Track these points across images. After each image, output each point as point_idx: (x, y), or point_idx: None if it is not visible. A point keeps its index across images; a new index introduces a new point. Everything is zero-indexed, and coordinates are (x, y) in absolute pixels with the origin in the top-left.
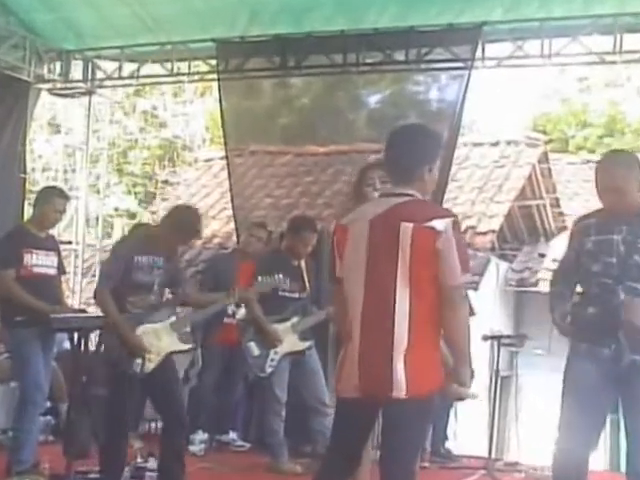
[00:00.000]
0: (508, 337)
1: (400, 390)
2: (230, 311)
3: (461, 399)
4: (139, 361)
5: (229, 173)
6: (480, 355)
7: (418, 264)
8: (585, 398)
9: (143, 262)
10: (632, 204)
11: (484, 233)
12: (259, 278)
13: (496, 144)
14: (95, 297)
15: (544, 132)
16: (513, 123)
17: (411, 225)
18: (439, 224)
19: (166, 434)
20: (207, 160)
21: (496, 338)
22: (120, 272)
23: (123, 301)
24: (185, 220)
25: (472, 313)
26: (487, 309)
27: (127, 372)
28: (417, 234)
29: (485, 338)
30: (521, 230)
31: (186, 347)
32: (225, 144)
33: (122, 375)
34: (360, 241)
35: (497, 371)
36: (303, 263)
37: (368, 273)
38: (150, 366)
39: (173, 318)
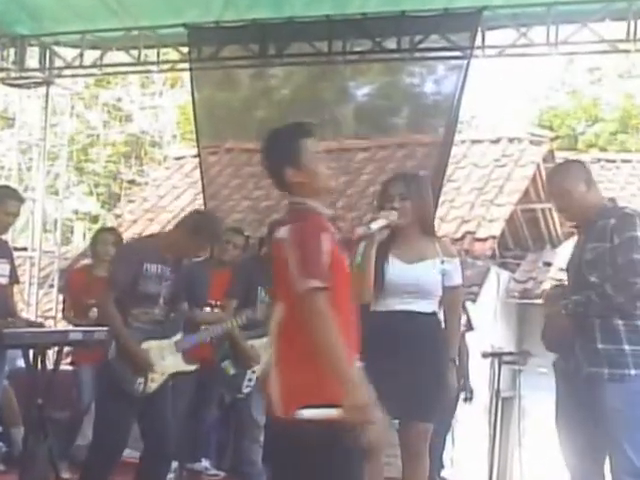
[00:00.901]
0: (510, 354)
1: (276, 409)
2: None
3: (363, 425)
4: (141, 380)
5: (202, 173)
6: (480, 374)
7: (279, 276)
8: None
9: (152, 271)
10: (583, 208)
11: (483, 239)
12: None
13: (497, 141)
14: (98, 306)
15: (550, 128)
16: (516, 118)
17: (274, 237)
18: (283, 232)
19: (147, 466)
20: (178, 158)
21: (497, 355)
22: (128, 279)
23: (125, 313)
24: (203, 224)
25: (470, 328)
26: (487, 323)
27: (125, 391)
28: (274, 247)
29: (485, 355)
30: (524, 236)
31: (191, 368)
32: (198, 140)
33: (120, 394)
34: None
35: (498, 391)
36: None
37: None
38: (152, 386)
39: (179, 336)
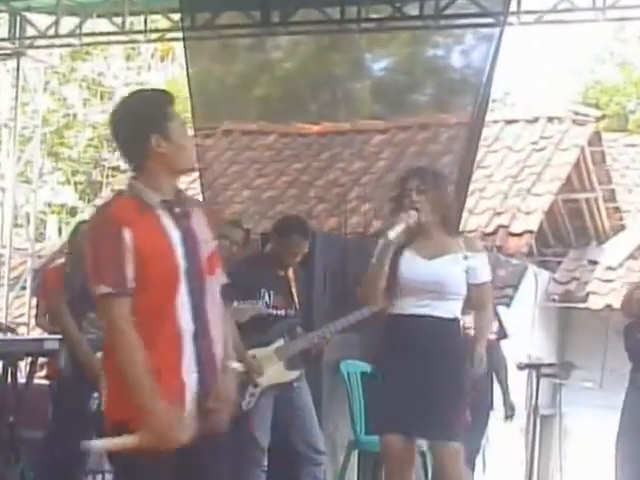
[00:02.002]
0: (550, 366)
1: None
2: None
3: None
4: (97, 394)
5: (197, 158)
6: (515, 388)
7: None
8: None
9: None
10: None
11: (519, 234)
12: (234, 303)
13: (535, 121)
14: (49, 310)
15: (596, 106)
16: (557, 95)
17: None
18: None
19: None
20: None
21: (535, 367)
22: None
23: (80, 318)
24: None
25: (504, 335)
26: (523, 330)
27: (81, 409)
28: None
29: (521, 367)
30: (566, 230)
31: None
32: (192, 121)
33: (75, 413)
34: None
35: (536, 408)
36: (291, 273)
37: None
38: None
39: None
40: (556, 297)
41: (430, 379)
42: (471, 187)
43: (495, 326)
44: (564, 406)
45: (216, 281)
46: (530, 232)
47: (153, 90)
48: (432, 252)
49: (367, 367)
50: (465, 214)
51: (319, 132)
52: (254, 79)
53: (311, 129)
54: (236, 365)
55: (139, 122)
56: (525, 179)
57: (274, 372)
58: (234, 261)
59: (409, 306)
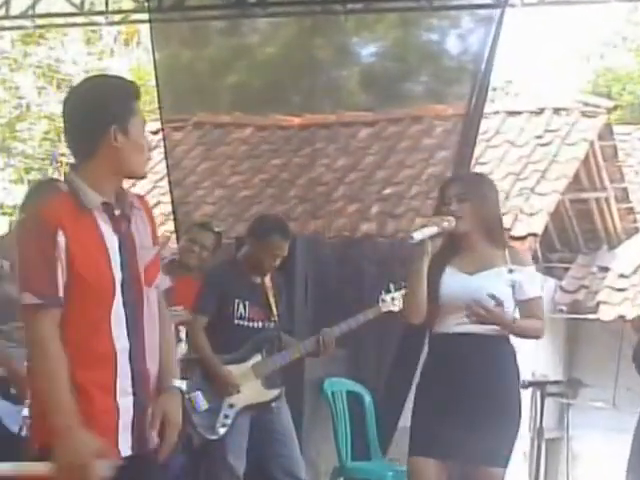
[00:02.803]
0: (556, 384)
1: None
2: None
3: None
4: None
5: (165, 154)
6: None
7: None
8: None
9: None
10: None
11: (522, 238)
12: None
13: (539, 113)
14: None
15: (608, 96)
16: (564, 84)
17: None
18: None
19: None
20: None
21: (539, 385)
22: None
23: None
24: None
25: None
26: (526, 344)
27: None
28: None
29: (524, 385)
30: (574, 234)
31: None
32: (160, 113)
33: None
34: None
35: (540, 431)
36: (268, 280)
37: None
38: None
39: None
40: (563, 307)
41: (476, 400)
42: None
43: None
44: (572, 429)
45: (154, 292)
46: (534, 235)
47: (120, 78)
48: (474, 266)
49: (353, 386)
50: None
51: (300, 125)
52: (228, 66)
53: (292, 121)
54: (179, 383)
55: (101, 108)
56: (528, 177)
57: (251, 391)
58: (204, 268)
59: (450, 325)
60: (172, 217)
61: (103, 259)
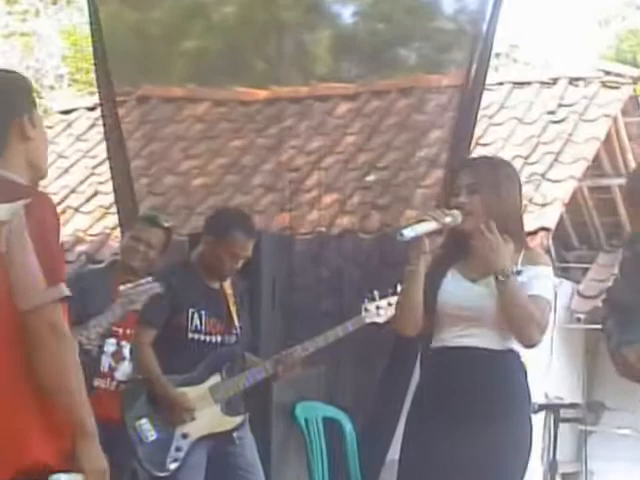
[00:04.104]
0: (573, 407)
1: None
2: (105, 365)
3: None
4: None
5: (105, 134)
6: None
7: None
8: None
9: None
10: None
11: (532, 233)
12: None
13: (552, 83)
14: None
15: (633, 63)
16: (580, 49)
17: None
18: (3, 211)
19: None
20: (66, 111)
21: (553, 409)
22: None
23: None
24: None
25: None
26: (538, 361)
27: None
28: None
29: (534, 409)
30: (594, 228)
31: None
32: (98, 85)
33: None
34: None
35: (554, 464)
36: (229, 285)
37: None
38: None
39: None
40: (581, 316)
41: (482, 427)
42: None
43: None
44: (592, 461)
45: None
46: (546, 230)
47: (13, 72)
48: (478, 272)
49: (331, 411)
50: None
51: (266, 99)
52: (180, 29)
53: (255, 95)
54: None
55: (11, 97)
56: (539, 160)
57: (208, 418)
58: (152, 271)
59: (450, 337)
60: (113, 210)
61: None
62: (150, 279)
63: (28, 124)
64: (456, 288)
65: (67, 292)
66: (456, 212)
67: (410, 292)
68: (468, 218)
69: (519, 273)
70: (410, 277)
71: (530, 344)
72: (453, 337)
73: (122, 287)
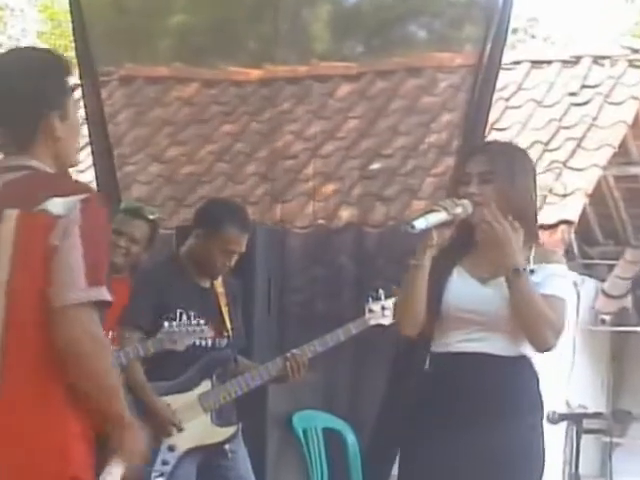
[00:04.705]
0: (597, 417)
1: None
2: None
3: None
4: None
5: (85, 117)
6: (547, 449)
7: (22, 274)
8: None
9: None
10: None
11: (552, 226)
12: (165, 325)
13: (574, 62)
14: None
15: None
16: (606, 25)
17: (16, 212)
18: (58, 205)
19: None
20: None
21: (575, 419)
22: None
23: None
24: None
25: None
26: (560, 366)
27: None
28: (23, 225)
29: (554, 420)
30: (621, 220)
31: None
32: (78, 64)
33: None
34: None
35: (576, 478)
36: (220, 284)
37: None
38: None
39: None
40: (606, 317)
41: (490, 439)
42: None
43: None
44: (618, 476)
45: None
46: (568, 223)
47: (47, 51)
48: (488, 271)
49: (332, 421)
50: None
51: (261, 79)
52: (167, 2)
53: (249, 75)
54: None
55: (40, 88)
56: (560, 146)
57: (197, 429)
58: (135, 268)
59: (456, 341)
60: None
61: None
62: (202, 321)
63: (58, 122)
64: (463, 289)
65: (108, 297)
66: (466, 202)
67: (413, 289)
68: (478, 210)
69: (532, 272)
70: (414, 272)
71: (545, 349)
72: (458, 342)
73: (167, 324)
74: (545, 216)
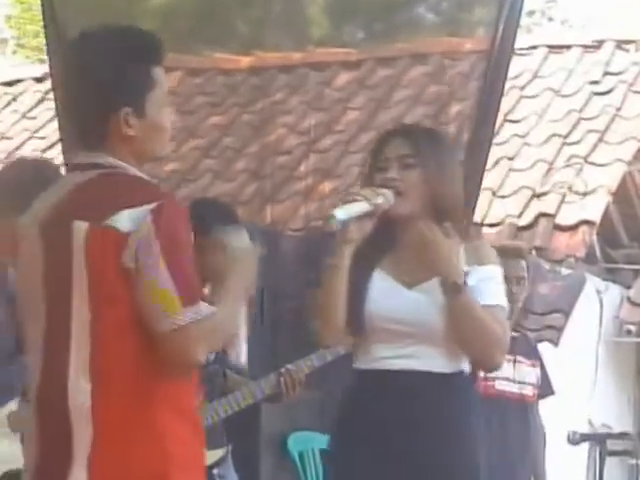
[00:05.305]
0: (622, 437)
1: None
2: None
3: None
4: None
5: (57, 110)
6: (567, 472)
7: (98, 297)
8: None
9: None
10: None
11: (572, 227)
12: None
13: (596, 47)
14: None
15: None
16: (629, 6)
17: (85, 225)
18: (125, 220)
19: None
20: (9, 83)
21: (598, 440)
22: None
23: None
24: None
25: (548, 391)
26: (580, 382)
27: None
28: (92, 241)
29: (576, 441)
30: None
31: None
32: (49, 51)
33: None
34: (32, 261)
35: None
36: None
37: (46, 321)
38: None
39: None
40: (632, 327)
41: (422, 468)
42: (494, 153)
43: (533, 375)
44: None
45: None
46: (589, 224)
47: (133, 30)
48: (415, 274)
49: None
50: (485, 197)
51: (251, 67)
52: None
53: (238, 62)
54: None
55: (108, 84)
56: (581, 140)
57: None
58: None
59: (383, 358)
60: None
61: None
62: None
63: (132, 119)
64: (386, 294)
65: (206, 311)
66: (387, 191)
67: (330, 293)
68: (400, 200)
69: (466, 275)
70: (332, 274)
71: (492, 369)
72: (385, 358)
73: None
74: (564, 216)
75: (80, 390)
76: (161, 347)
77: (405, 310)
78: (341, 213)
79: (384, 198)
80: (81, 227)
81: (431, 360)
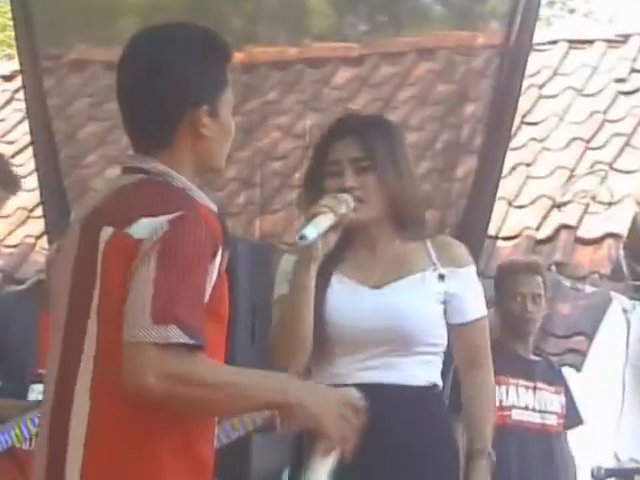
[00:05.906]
0: None
1: None
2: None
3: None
4: None
5: (27, 111)
6: None
7: (108, 302)
8: None
9: None
10: None
11: (596, 240)
12: None
13: (621, 42)
14: None
15: None
16: None
17: (110, 230)
18: (143, 228)
19: None
20: None
21: (627, 475)
22: None
23: None
24: None
25: (575, 420)
26: (607, 411)
27: None
28: (110, 247)
29: (600, 476)
30: None
31: None
32: (18, 46)
33: None
34: (67, 256)
35: None
36: None
37: (66, 324)
38: None
39: None
40: None
41: None
42: (510, 159)
43: (556, 402)
44: None
45: None
46: (615, 237)
47: (201, 30)
48: (381, 274)
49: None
50: (501, 208)
51: (242, 63)
52: None
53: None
54: None
55: (188, 76)
56: (605, 144)
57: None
58: None
59: (346, 371)
60: (38, 213)
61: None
62: None
63: (207, 119)
64: (348, 299)
65: (177, 338)
66: (346, 196)
67: (297, 315)
68: (360, 207)
69: (442, 278)
70: (298, 295)
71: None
72: (353, 371)
73: None
74: (588, 228)
75: (80, 410)
76: (124, 359)
77: (373, 315)
78: (311, 231)
79: (346, 205)
80: (107, 232)
81: (395, 370)
